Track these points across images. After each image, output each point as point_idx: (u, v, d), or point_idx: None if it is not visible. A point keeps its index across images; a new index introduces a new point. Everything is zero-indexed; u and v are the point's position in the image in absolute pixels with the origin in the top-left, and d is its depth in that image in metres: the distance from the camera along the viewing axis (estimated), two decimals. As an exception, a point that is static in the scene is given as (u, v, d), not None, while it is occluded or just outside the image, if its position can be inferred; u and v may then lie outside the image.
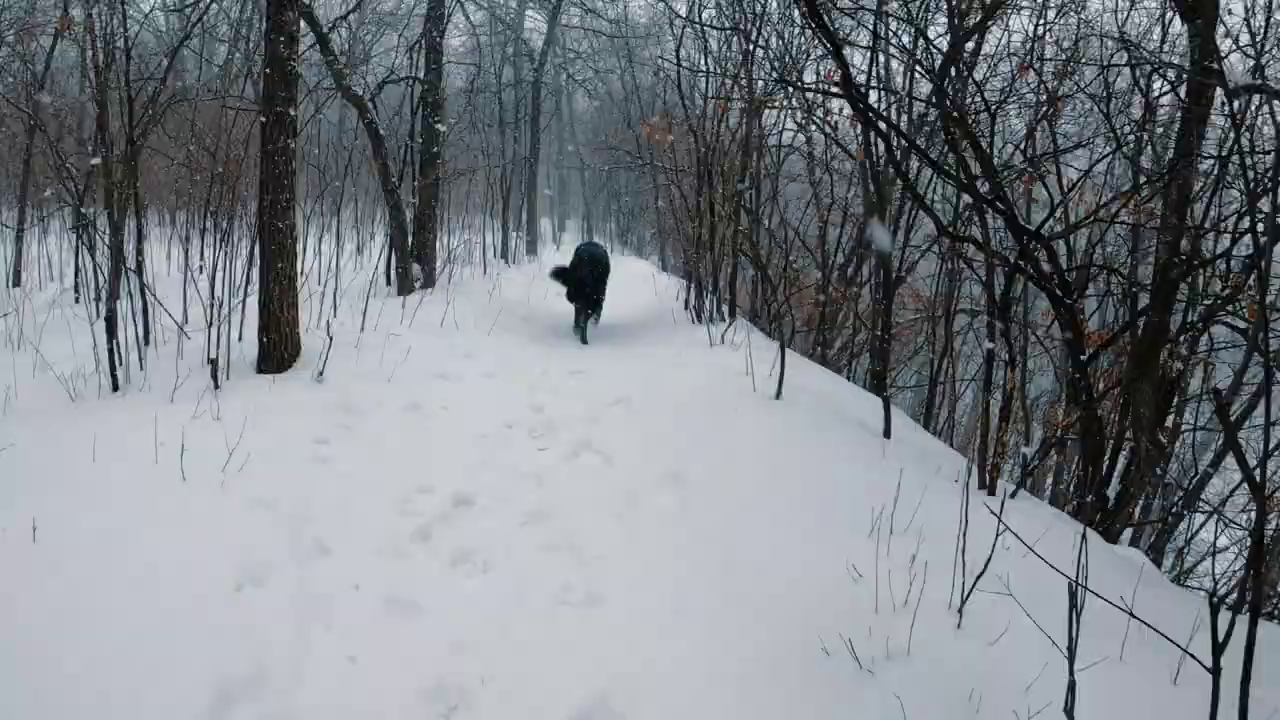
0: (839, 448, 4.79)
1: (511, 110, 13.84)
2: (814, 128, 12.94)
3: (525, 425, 5.49)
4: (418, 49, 9.90)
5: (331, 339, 5.70)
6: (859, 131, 11.59)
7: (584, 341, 8.22)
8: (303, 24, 9.27)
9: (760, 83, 8.95)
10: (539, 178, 19.47)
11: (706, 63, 9.08)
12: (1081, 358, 5.85)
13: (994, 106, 4.98)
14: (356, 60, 11.77)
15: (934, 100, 4.82)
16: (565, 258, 13.10)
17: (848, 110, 12.45)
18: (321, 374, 5.55)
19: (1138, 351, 6.29)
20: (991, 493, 4.43)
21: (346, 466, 4.51)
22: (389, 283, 9.62)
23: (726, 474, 4.38)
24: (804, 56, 10.61)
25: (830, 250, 11.78)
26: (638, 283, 12.61)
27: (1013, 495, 4.57)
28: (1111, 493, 6.76)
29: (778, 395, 5.52)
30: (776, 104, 6.88)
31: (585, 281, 8.43)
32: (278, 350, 5.76)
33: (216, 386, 5.23)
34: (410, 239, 9.43)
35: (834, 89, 5.23)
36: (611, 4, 16.73)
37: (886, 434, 5.29)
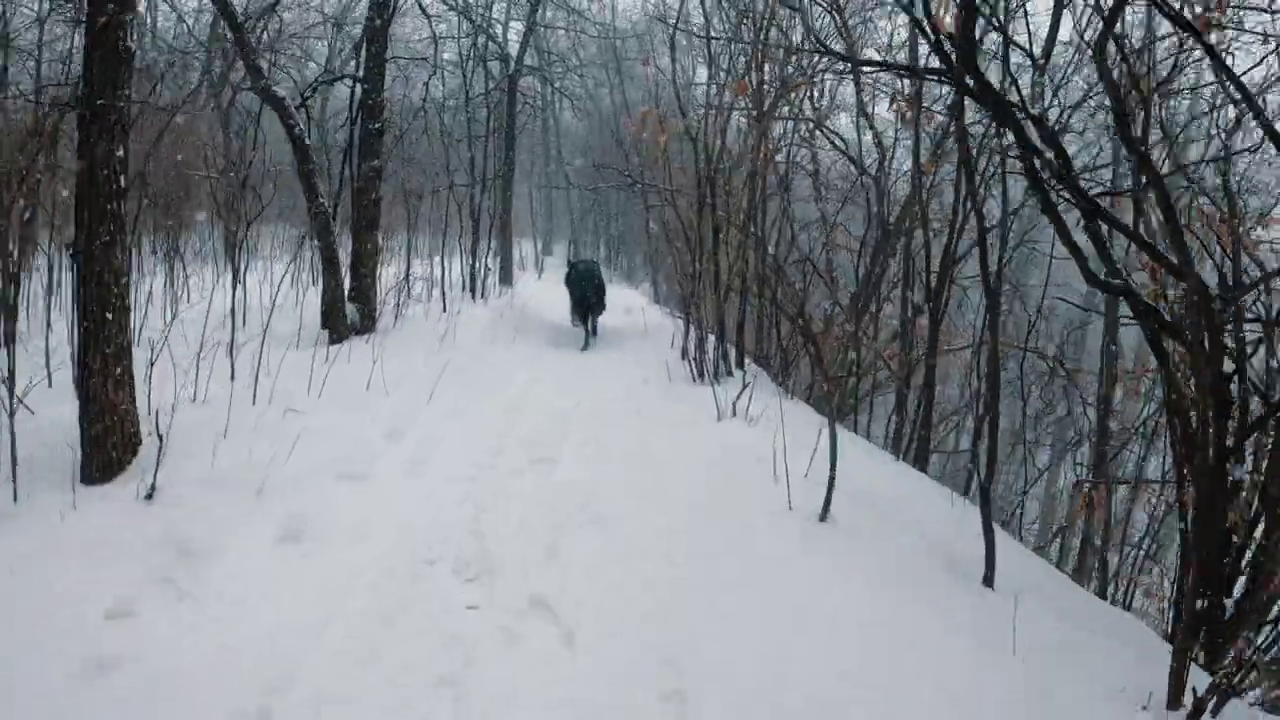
0: (929, 624, 3.04)
1: (483, 120, 12.13)
2: (821, 142, 11.40)
3: (453, 559, 3.74)
4: (362, 45, 8.23)
5: (162, 439, 3.94)
6: (879, 147, 9.99)
7: (585, 346, 8.92)
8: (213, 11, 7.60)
9: (770, 80, 7.28)
10: (517, 197, 17.81)
11: (708, 62, 7.40)
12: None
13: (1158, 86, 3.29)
14: (278, 50, 10.12)
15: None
16: (548, 287, 11.48)
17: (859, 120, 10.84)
18: (153, 489, 3.78)
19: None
20: (1200, 725, 2.68)
21: (136, 674, 2.76)
22: (325, 325, 7.85)
23: (758, 693, 2.63)
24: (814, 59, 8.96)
25: (851, 281, 10.12)
26: (628, 318, 10.89)
27: (1216, 712, 2.84)
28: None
29: (823, 516, 3.78)
30: (805, 87, 5.13)
31: (588, 295, 9.21)
32: (104, 448, 4.00)
33: (-19, 515, 3.47)
34: (346, 272, 7.70)
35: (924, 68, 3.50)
36: (595, 1, 15.18)
37: (989, 579, 3.55)
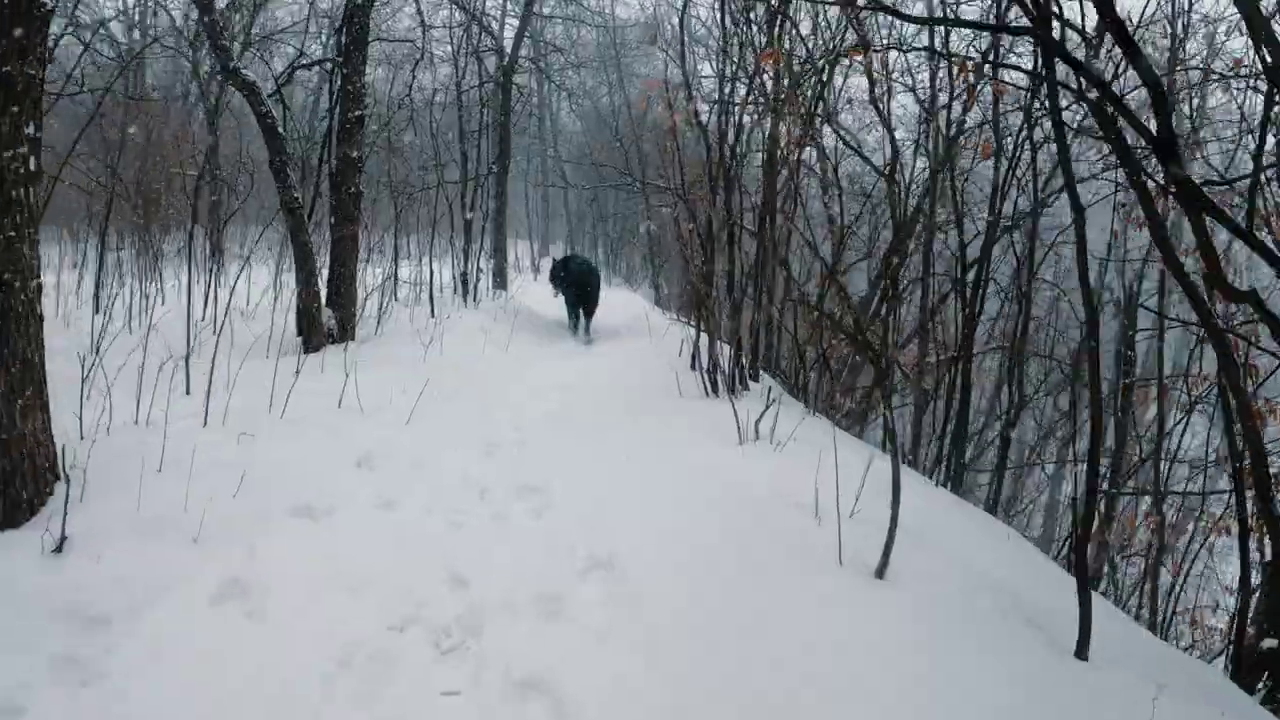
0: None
1: (476, 114, 11.47)
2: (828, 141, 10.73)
3: (429, 624, 3.08)
4: (342, 26, 7.55)
5: (68, 478, 3.26)
6: (893, 144, 9.32)
7: (583, 342, 9.20)
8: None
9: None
10: (513, 196, 17.16)
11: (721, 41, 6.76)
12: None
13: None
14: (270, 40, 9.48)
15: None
16: (545, 290, 10.76)
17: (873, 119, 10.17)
18: (64, 539, 3.11)
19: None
20: None
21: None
22: (300, 332, 7.16)
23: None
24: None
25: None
26: (629, 322, 10.22)
27: None
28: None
29: (881, 571, 3.12)
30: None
31: (584, 290, 9.41)
32: (10, 488, 3.32)
33: None
34: (324, 271, 7.05)
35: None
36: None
37: (1083, 651, 2.90)
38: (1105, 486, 8.64)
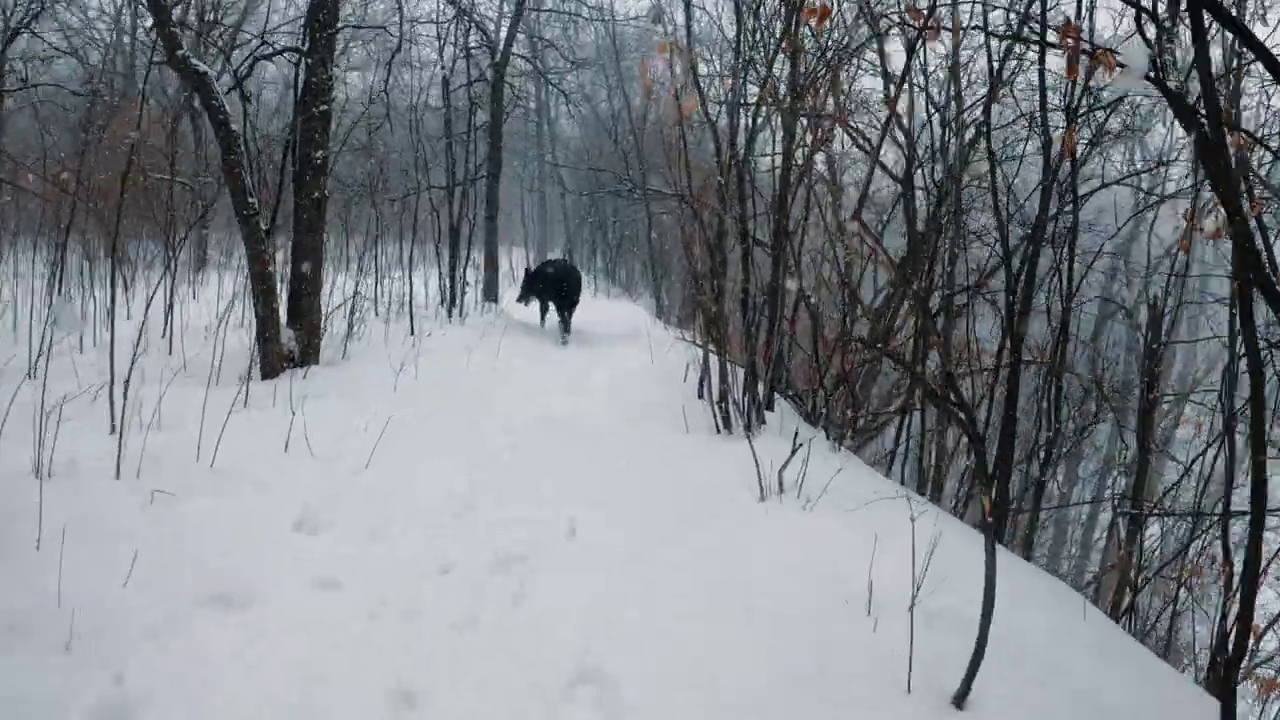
0: None
1: (465, 112, 10.72)
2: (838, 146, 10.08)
3: (365, 764, 2.31)
4: (310, 13, 6.80)
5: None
6: (910, 146, 8.63)
7: (562, 342, 9.01)
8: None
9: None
10: (508, 202, 16.42)
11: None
12: None
13: None
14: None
15: None
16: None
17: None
18: None
19: None
20: None
21: None
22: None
23: None
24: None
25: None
26: (628, 334, 9.49)
27: None
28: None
29: (961, 699, 2.35)
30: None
31: (569, 292, 9.17)
32: None
33: None
34: (288, 289, 6.30)
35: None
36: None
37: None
38: (1127, 507, 8.00)
